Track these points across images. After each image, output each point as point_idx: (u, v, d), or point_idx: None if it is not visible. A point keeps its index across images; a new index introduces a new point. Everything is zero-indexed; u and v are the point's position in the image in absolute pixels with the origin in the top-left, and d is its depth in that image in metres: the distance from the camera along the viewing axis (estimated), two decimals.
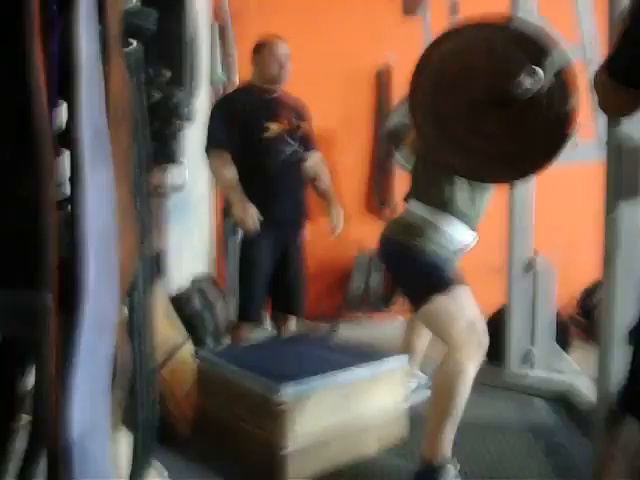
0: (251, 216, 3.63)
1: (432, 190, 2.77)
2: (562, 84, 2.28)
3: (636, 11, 1.70)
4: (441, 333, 2.71)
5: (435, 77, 2.38)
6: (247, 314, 3.87)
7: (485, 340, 2.63)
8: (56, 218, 1.02)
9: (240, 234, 3.78)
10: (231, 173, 3.71)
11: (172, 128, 1.75)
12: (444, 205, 2.74)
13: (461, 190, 2.74)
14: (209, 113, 3.84)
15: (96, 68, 1.14)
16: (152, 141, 1.36)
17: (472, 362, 2.58)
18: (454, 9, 3.85)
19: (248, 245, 3.77)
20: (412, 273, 2.78)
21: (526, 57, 2.25)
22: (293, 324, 4.10)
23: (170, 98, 1.69)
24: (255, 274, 3.81)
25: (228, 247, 4.09)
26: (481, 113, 2.33)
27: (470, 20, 2.38)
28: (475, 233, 2.85)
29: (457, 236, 2.77)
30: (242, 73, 5.50)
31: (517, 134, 2.36)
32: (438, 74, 2.37)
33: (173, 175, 3.53)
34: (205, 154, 3.81)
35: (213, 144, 3.77)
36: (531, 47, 2.28)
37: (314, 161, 4.02)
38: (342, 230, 4.23)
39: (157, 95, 1.66)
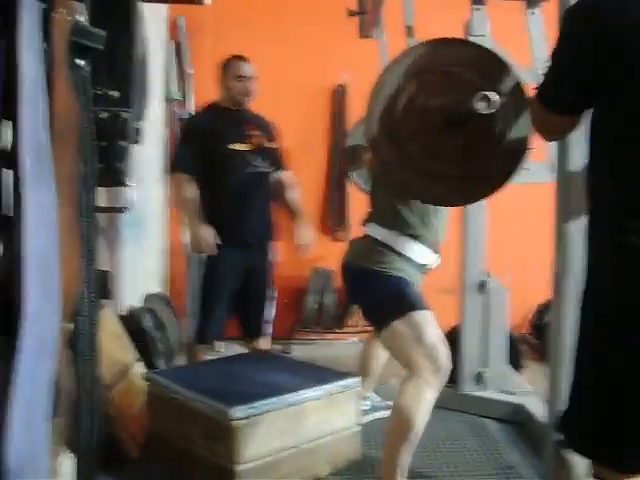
0: (206, 240, 3.63)
1: (390, 213, 2.76)
2: (518, 107, 2.29)
3: (561, 39, 1.74)
4: (402, 358, 2.70)
5: (392, 97, 2.37)
6: (205, 337, 3.85)
7: (447, 365, 2.61)
8: None
9: (203, 258, 3.79)
10: (190, 196, 3.72)
11: (118, 149, 1.72)
12: (403, 228, 2.74)
13: (419, 212, 2.74)
14: (178, 133, 3.84)
15: (40, 86, 1.12)
16: (98, 161, 1.34)
17: (432, 388, 2.56)
18: (410, 31, 3.88)
19: (210, 266, 3.77)
20: (374, 298, 2.77)
21: (481, 80, 2.26)
22: (266, 344, 4.06)
23: (117, 118, 1.67)
24: (216, 296, 3.79)
25: (189, 267, 4.07)
26: (437, 134, 2.33)
27: (426, 40, 2.39)
28: (437, 255, 2.85)
29: (418, 258, 2.77)
30: (198, 91, 5.49)
31: (472, 156, 2.36)
32: (395, 94, 2.36)
33: (119, 196, 3.49)
34: (169, 174, 3.88)
35: (176, 166, 3.82)
36: (487, 69, 2.29)
37: (283, 180, 4.03)
38: (296, 250, 4.22)
39: (104, 115, 1.64)
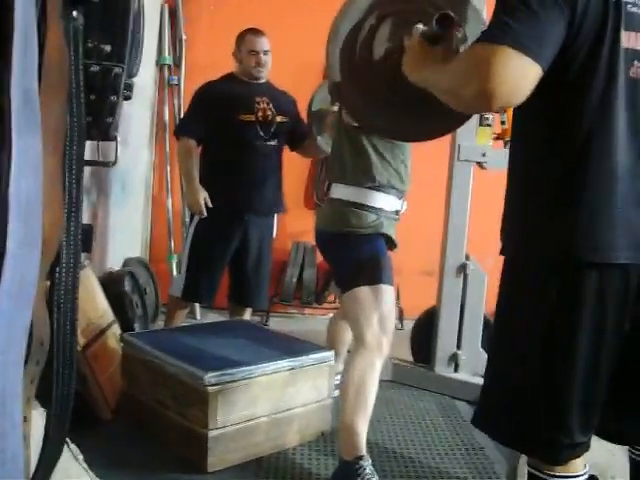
0: (199, 202, 3.76)
1: (354, 168, 2.74)
2: None
3: None
4: (354, 322, 2.75)
5: (349, 38, 2.25)
6: (188, 294, 3.96)
7: (391, 338, 2.70)
8: None
9: (196, 218, 3.88)
10: (192, 160, 3.85)
11: (108, 103, 1.71)
12: (369, 180, 2.72)
13: (382, 160, 2.72)
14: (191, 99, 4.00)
15: (32, 34, 1.11)
16: (87, 115, 1.33)
17: (381, 357, 2.65)
18: None
19: (202, 228, 3.86)
20: (348, 259, 2.77)
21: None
22: (247, 315, 4.13)
23: (108, 72, 1.66)
24: (203, 258, 3.88)
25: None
26: (397, 69, 2.19)
27: None
28: (403, 200, 2.86)
29: (385, 207, 2.76)
30: (190, 57, 5.45)
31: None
32: (352, 34, 2.25)
33: (105, 151, 3.50)
34: (175, 137, 4.01)
35: (182, 130, 3.95)
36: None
37: (307, 146, 4.13)
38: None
39: (95, 68, 1.63)
